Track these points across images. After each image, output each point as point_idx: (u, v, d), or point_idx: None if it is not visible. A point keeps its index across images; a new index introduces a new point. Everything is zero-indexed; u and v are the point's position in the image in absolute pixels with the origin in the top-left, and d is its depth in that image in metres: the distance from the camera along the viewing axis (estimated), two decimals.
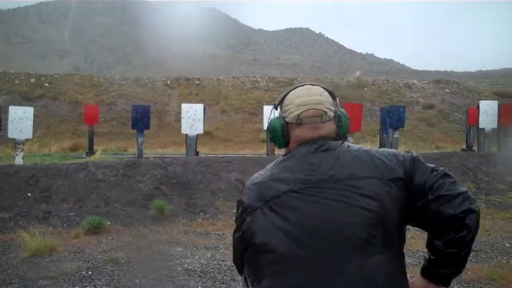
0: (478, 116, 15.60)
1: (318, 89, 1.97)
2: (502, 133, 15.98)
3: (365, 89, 32.24)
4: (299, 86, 2.02)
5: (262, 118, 16.68)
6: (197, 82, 31.78)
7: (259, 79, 33.30)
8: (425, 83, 34.48)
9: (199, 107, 14.52)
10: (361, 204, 1.73)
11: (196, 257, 7.73)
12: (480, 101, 16.56)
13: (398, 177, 1.78)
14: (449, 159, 13.09)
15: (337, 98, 2.01)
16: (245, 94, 30.67)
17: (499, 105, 16.00)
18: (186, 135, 14.29)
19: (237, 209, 1.95)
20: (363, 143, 20.03)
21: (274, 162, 1.98)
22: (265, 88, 31.70)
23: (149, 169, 11.40)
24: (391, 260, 1.74)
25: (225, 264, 7.32)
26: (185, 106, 14.52)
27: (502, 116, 15.60)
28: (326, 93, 1.98)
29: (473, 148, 16.93)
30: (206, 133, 24.17)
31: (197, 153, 14.41)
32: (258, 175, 1.98)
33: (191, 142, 14.14)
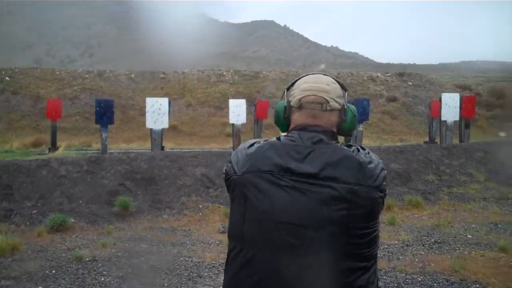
0: (440, 108, 15.84)
1: (327, 78, 1.96)
2: (464, 125, 16.29)
3: None
4: (312, 73, 2.02)
5: (227, 112, 16.62)
6: (162, 75, 31.49)
7: (225, 73, 33.17)
8: (388, 76, 34.86)
9: (164, 101, 14.39)
10: (328, 206, 1.71)
11: (162, 253, 7.70)
12: (442, 93, 16.81)
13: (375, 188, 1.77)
14: (412, 152, 13.28)
15: (347, 93, 1.99)
16: (210, 87, 30.51)
17: (460, 98, 16.28)
18: (151, 129, 14.14)
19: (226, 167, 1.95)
20: None
21: (267, 139, 1.95)
22: (231, 81, 31.60)
23: (114, 164, 11.25)
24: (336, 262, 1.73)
25: (191, 261, 7.30)
26: (149, 100, 14.37)
27: (463, 109, 15.89)
28: (336, 84, 1.96)
29: (435, 141, 17.19)
30: (172, 127, 23.97)
31: (162, 148, 14.29)
32: (249, 144, 1.95)
33: (156, 137, 14.01)
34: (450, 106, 15.53)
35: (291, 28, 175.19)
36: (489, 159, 13.32)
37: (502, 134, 27.02)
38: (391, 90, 32.02)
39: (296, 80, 1.99)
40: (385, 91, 31.85)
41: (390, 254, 7.67)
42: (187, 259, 7.42)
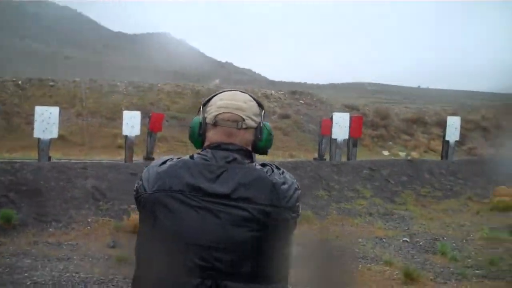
0: (331, 127, 16.40)
1: (244, 96, 1.93)
2: (351, 143, 16.98)
3: None
4: (230, 90, 1.99)
5: (120, 123, 16.24)
6: (51, 83, 30.21)
7: (118, 83, 32.42)
8: (281, 93, 35.66)
9: (54, 110, 13.79)
10: (240, 228, 1.70)
11: (47, 269, 7.35)
12: (334, 113, 17.44)
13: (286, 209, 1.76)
14: (304, 168, 13.64)
15: (264, 111, 1.97)
16: (103, 97, 29.67)
17: (350, 117, 16.96)
18: (39, 139, 13.47)
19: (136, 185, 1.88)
20: None
21: (181, 157, 1.90)
22: (124, 92, 30.90)
23: None
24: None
25: (79, 276, 7.03)
26: (39, 109, 13.71)
27: (351, 128, 16.55)
28: (253, 102, 1.93)
29: (324, 157, 17.77)
30: (60, 137, 23.00)
31: (49, 158, 13.67)
32: (161, 161, 1.89)
33: (43, 147, 13.37)
34: (341, 125, 16.12)
35: (187, 42, 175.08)
36: (374, 176, 13.96)
37: (386, 153, 28.51)
38: (284, 108, 32.77)
39: (213, 96, 1.95)
40: (278, 108, 32.55)
41: None
42: (74, 274, 7.13)
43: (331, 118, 16.57)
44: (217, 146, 1.84)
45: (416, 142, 31.16)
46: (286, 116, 31.35)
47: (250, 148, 1.89)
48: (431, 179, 14.43)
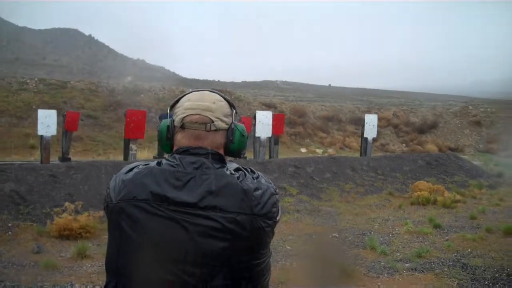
0: (253, 125, 16.45)
1: (213, 96, 1.80)
2: (273, 141, 17.12)
3: (142, 95, 32.04)
4: (197, 90, 1.84)
5: (32, 122, 15.50)
6: None
7: (28, 81, 30.99)
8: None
9: None
10: (209, 239, 1.59)
11: None
12: (257, 111, 17.49)
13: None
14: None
15: (235, 111, 1.84)
16: (11, 96, 28.25)
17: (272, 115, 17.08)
18: None
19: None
20: (141, 151, 19.84)
21: (147, 162, 1.78)
22: (35, 90, 29.59)
23: None
24: None
25: (4, 285, 6.64)
26: None
27: (273, 126, 16.65)
28: (223, 102, 1.80)
29: (245, 156, 17.78)
30: None
31: None
32: (128, 168, 1.77)
33: None
34: (264, 124, 16.20)
35: (96, 38, 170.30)
36: (300, 173, 14.13)
37: (303, 150, 29.03)
38: None
39: (181, 98, 1.83)
40: None
41: None
42: None
43: (254, 117, 16.60)
44: (185, 151, 1.72)
45: (332, 139, 31.98)
46: None
47: (222, 151, 1.78)
48: (354, 175, 14.81)
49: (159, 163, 1.72)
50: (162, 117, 17.22)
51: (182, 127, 1.74)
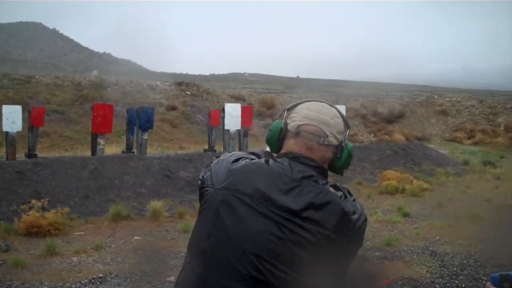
0: (222, 118, 16.41)
1: (332, 111, 1.81)
2: (242, 134, 17.12)
3: (108, 89, 31.68)
4: (317, 101, 1.85)
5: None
6: None
7: None
8: (167, 85, 35.25)
9: None
10: (301, 249, 1.60)
11: None
12: (225, 104, 17.46)
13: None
14: (200, 160, 13.56)
15: (348, 130, 1.84)
16: None
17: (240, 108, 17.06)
18: None
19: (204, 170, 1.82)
20: (109, 145, 19.63)
21: (253, 151, 1.86)
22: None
23: None
24: None
25: None
26: None
27: (242, 118, 16.66)
28: (340, 119, 1.81)
29: (214, 149, 17.77)
30: None
31: None
32: (234, 157, 1.79)
33: None
34: (233, 116, 16.17)
35: (60, 32, 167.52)
36: None
37: None
38: (171, 99, 32.43)
39: (299, 103, 1.84)
40: (165, 100, 32.15)
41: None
42: None
43: (223, 109, 16.57)
44: (295, 158, 1.74)
45: None
46: (173, 108, 31.07)
47: (326, 166, 1.78)
48: None
49: (267, 162, 1.73)
50: (130, 111, 17.08)
51: (297, 134, 1.76)
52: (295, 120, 1.79)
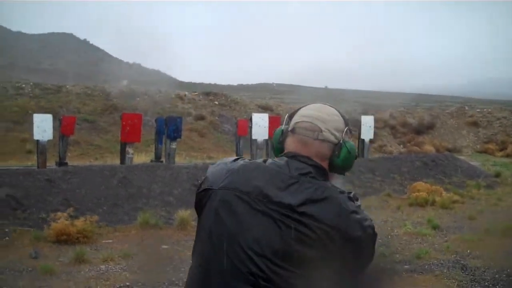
0: (250, 127, 16.40)
1: (330, 109, 1.86)
2: (271, 143, 17.07)
3: (138, 99, 32.00)
4: (320, 103, 1.91)
5: (28, 127, 15.41)
6: None
7: (24, 85, 30.89)
8: (195, 94, 35.43)
9: None
10: (299, 244, 1.60)
11: None
12: (253, 114, 17.48)
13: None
14: None
15: (349, 129, 1.85)
16: (7, 100, 28.14)
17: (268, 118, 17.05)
18: None
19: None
20: (138, 154, 19.80)
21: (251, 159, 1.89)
22: (31, 95, 29.51)
23: None
24: None
25: None
26: None
27: (269, 128, 16.61)
28: (338, 117, 1.84)
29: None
30: None
31: None
32: (233, 158, 1.86)
33: None
34: (260, 126, 16.17)
35: (91, 42, 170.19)
36: None
37: None
38: (199, 109, 32.58)
39: (301, 107, 1.90)
40: (193, 109, 32.31)
41: None
42: None
43: (250, 119, 16.57)
44: (293, 156, 1.77)
45: None
46: (201, 118, 31.18)
47: (326, 165, 1.79)
48: (351, 177, 14.74)
49: (264, 161, 1.79)
50: (159, 121, 17.21)
51: (293, 131, 1.81)
52: (294, 120, 1.85)
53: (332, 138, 1.78)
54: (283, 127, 1.88)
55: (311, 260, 1.60)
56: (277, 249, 1.61)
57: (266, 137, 16.44)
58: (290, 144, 1.81)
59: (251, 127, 16.38)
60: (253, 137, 16.23)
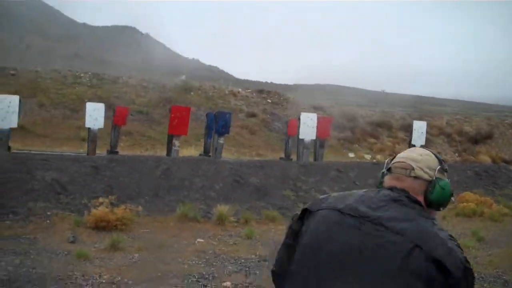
0: (298, 127, 16.26)
1: (423, 151, 2.06)
2: (318, 144, 16.89)
3: (192, 93, 32.34)
4: (420, 147, 2.23)
5: (84, 115, 15.77)
6: (12, 72, 29.37)
7: (82, 74, 31.72)
8: (249, 92, 35.52)
9: (14, 98, 13.26)
10: (388, 261, 1.73)
11: (2, 263, 6.99)
12: (301, 113, 17.32)
13: None
14: (271, 167, 13.47)
15: (444, 169, 2.01)
16: (66, 88, 28.96)
17: (318, 118, 16.85)
18: None
19: None
20: (187, 148, 19.98)
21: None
22: (89, 84, 30.28)
23: None
24: None
25: (35, 272, 6.69)
26: None
27: (318, 129, 16.43)
28: (431, 157, 2.02)
29: (291, 157, 17.66)
30: (20, 127, 22.32)
31: (9, 149, 13.16)
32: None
33: (2, 137, 12.83)
34: (308, 126, 15.99)
35: (152, 36, 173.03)
36: (342, 178, 13.87)
37: (351, 155, 28.61)
38: (251, 106, 32.64)
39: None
40: (245, 106, 32.39)
41: (247, 269, 7.63)
42: (30, 270, 6.79)
43: (299, 118, 16.43)
44: (390, 188, 1.96)
45: (381, 146, 31.40)
46: (253, 115, 31.21)
47: (421, 200, 1.93)
48: None
49: (361, 191, 2.02)
50: (209, 116, 17.32)
51: (389, 170, 2.03)
52: (392, 162, 2.06)
53: (425, 176, 1.95)
54: (384, 170, 2.07)
55: (396, 274, 1.71)
56: (363, 258, 1.76)
57: (314, 137, 16.25)
58: (387, 181, 2.02)
59: (299, 127, 16.23)
60: (300, 137, 16.07)
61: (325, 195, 2.07)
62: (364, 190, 2.01)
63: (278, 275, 2.04)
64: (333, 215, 1.89)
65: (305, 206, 2.05)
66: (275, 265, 2.08)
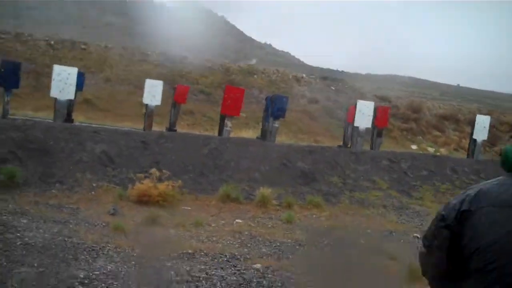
0: (354, 114, 15.96)
1: None
2: (376, 133, 16.51)
3: (255, 76, 32.32)
4: None
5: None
6: (83, 46, 30.24)
7: (149, 52, 32.29)
8: (312, 77, 35.15)
9: (73, 70, 13.58)
10: None
11: (41, 231, 7.14)
12: (358, 100, 16.98)
13: None
14: (322, 153, 13.26)
15: None
16: (133, 65, 29.57)
17: (375, 107, 16.48)
18: (56, 99, 13.33)
19: None
20: (246, 130, 19.99)
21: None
22: (155, 62, 30.78)
23: (7, 130, 10.46)
24: None
25: (70, 241, 6.81)
26: (57, 68, 13.50)
27: (377, 118, 16.08)
28: None
29: (349, 146, 17.36)
30: (86, 101, 23.01)
31: (72, 121, 13.58)
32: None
33: (60, 107, 13.21)
34: (364, 114, 15.65)
35: (227, 19, 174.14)
36: (394, 168, 13.48)
37: (414, 147, 27.88)
38: (314, 92, 32.29)
39: None
40: (308, 92, 32.09)
41: (281, 253, 7.54)
42: (66, 239, 6.91)
43: (355, 106, 16.12)
44: None
45: (446, 139, 30.41)
46: (315, 101, 30.89)
47: None
48: (452, 176, 13.87)
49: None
50: (268, 99, 17.21)
51: None
52: None
53: None
54: None
55: None
56: None
57: (369, 125, 15.89)
58: None
59: (355, 114, 15.92)
60: (355, 124, 15.74)
61: (463, 194, 2.08)
62: (495, 183, 2.03)
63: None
64: (497, 211, 1.92)
65: (463, 208, 2.00)
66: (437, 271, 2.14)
